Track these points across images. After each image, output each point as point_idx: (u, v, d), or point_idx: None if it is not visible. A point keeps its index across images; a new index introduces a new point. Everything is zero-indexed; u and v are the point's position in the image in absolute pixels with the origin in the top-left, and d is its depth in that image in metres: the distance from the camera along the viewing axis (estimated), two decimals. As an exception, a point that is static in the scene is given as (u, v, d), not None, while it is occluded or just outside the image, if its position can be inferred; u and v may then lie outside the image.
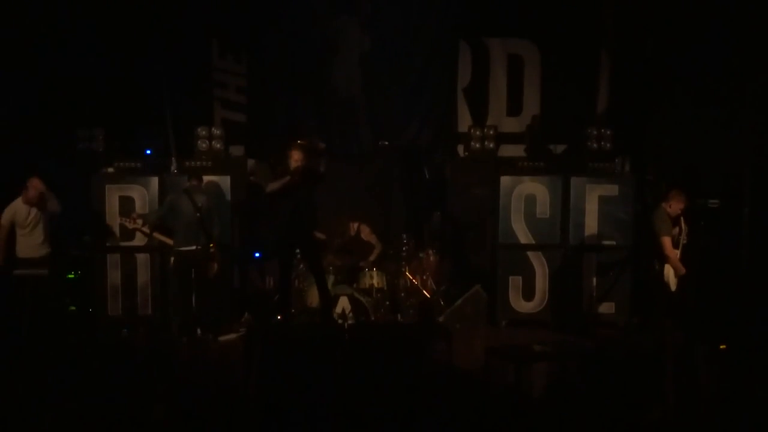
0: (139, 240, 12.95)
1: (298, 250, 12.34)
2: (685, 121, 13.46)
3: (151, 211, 12.58)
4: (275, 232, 11.92)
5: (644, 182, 13.94)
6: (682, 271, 11.02)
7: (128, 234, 12.89)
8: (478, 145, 14.26)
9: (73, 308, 12.90)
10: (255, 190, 14.34)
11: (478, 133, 14.33)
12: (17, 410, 8.31)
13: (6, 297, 11.96)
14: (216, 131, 13.82)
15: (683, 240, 11.24)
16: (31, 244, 11.72)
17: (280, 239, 11.75)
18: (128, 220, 12.48)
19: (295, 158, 11.17)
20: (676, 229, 11.26)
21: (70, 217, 12.04)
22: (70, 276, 12.94)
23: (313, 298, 12.59)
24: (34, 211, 11.76)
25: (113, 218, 12.84)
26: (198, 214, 11.73)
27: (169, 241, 12.26)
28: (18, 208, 11.73)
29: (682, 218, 11.27)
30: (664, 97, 14.27)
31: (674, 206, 11.14)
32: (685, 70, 13.78)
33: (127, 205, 12.82)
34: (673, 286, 11.09)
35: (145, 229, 12.42)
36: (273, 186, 11.35)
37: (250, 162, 14.77)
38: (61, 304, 12.36)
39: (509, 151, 14.91)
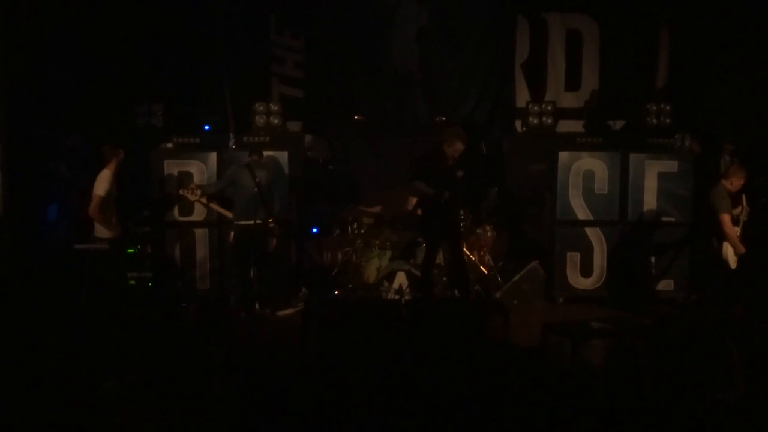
0: (197, 215, 13.02)
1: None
2: (745, 96, 13.30)
3: (210, 184, 12.63)
4: (428, 219, 11.81)
5: (720, 150, 13.69)
6: (742, 249, 10.84)
7: (187, 209, 12.97)
8: (536, 121, 14.21)
9: (133, 282, 13.01)
10: (312, 165, 14.44)
11: (536, 108, 14.28)
12: (77, 381, 8.43)
13: (67, 271, 12.12)
14: (273, 107, 13.88)
15: (743, 217, 11.06)
16: (111, 220, 11.51)
17: (429, 226, 11.68)
18: (187, 191, 12.47)
19: (459, 148, 11.17)
20: (739, 208, 11.08)
21: (129, 192, 12.11)
22: (129, 251, 13.02)
23: (370, 274, 12.62)
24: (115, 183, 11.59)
25: (172, 193, 12.92)
26: (256, 189, 11.77)
27: (228, 214, 12.31)
28: (109, 178, 11.41)
29: (743, 195, 11.10)
30: (723, 71, 14.10)
31: (735, 183, 10.93)
32: (745, 44, 13.61)
33: (185, 180, 12.85)
34: (732, 264, 10.92)
35: (204, 200, 12.45)
36: (422, 189, 11.39)
37: (308, 137, 14.76)
38: (121, 278, 12.45)
39: (567, 126, 14.83)
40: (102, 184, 11.31)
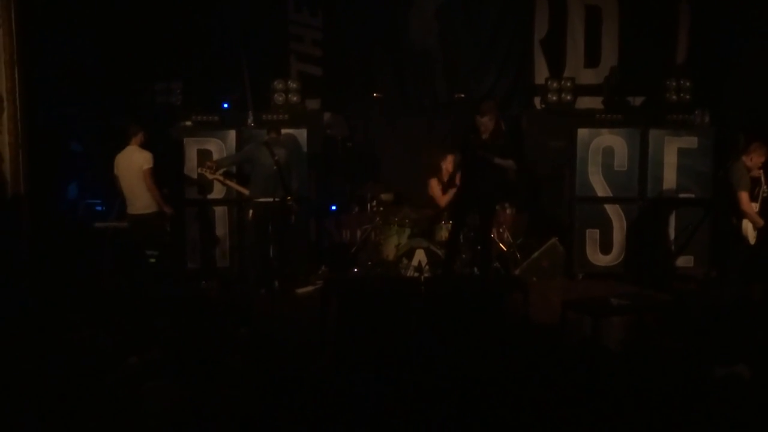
0: (217, 193, 13.06)
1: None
2: (765, 71, 13.21)
3: (226, 157, 12.66)
4: (458, 193, 11.89)
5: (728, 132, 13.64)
6: (760, 223, 10.78)
7: (206, 187, 13.00)
8: (555, 98, 14.18)
9: (153, 260, 13.05)
10: (330, 142, 14.44)
11: (555, 85, 14.24)
12: (98, 357, 8.47)
13: (87, 249, 12.17)
14: (292, 84, 13.87)
15: (764, 194, 11.02)
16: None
17: (457, 200, 11.80)
18: (205, 168, 12.42)
19: (484, 122, 11.08)
20: (762, 186, 11.00)
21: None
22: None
23: (389, 251, 12.62)
24: None
25: (191, 171, 12.94)
26: (275, 167, 11.78)
27: (244, 191, 12.31)
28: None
29: (762, 171, 11.04)
30: (744, 47, 14.00)
31: (755, 159, 10.88)
32: (767, 19, 13.51)
33: (204, 158, 12.86)
34: (752, 240, 10.90)
35: (221, 178, 12.42)
36: None
37: (327, 115, 14.76)
38: (141, 256, 12.48)
39: (587, 103, 14.77)
40: (147, 158, 11.59)
